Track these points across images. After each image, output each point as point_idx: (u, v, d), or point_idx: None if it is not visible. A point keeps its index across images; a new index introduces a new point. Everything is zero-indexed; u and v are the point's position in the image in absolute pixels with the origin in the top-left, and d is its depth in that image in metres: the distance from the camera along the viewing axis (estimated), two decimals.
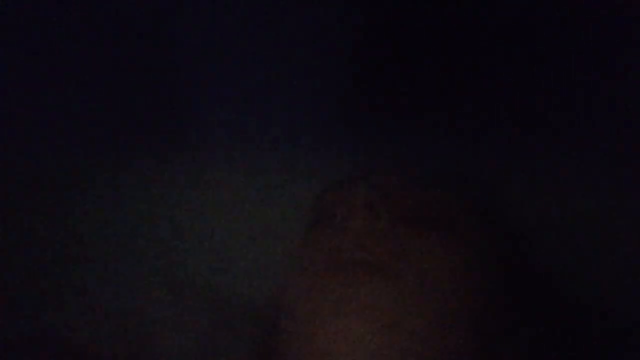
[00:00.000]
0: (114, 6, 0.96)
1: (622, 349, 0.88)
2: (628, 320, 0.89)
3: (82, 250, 0.97)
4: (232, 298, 0.93)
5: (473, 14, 0.95)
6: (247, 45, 0.97)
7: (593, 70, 0.94)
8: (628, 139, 0.92)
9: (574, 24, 0.94)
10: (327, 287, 0.77)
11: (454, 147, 0.95)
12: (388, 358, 0.74)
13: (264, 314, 0.87)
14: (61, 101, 0.98)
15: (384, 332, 0.75)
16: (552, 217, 0.92)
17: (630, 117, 0.93)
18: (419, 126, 0.95)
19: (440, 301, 0.76)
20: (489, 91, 0.95)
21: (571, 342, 0.85)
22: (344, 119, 0.97)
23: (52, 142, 0.99)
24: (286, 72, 0.97)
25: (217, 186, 0.98)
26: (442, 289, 0.77)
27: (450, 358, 0.75)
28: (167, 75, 0.99)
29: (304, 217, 0.86)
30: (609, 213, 0.92)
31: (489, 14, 0.95)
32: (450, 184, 0.85)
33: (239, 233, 0.96)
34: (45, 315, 0.93)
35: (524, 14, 0.95)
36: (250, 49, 0.97)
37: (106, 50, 0.98)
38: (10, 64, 0.97)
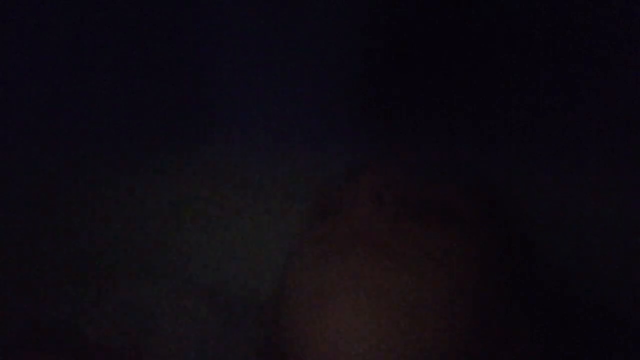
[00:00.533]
0: (135, 6, 0.97)
1: (625, 350, 0.88)
2: (632, 321, 0.89)
3: (87, 246, 0.97)
4: (235, 292, 0.93)
5: (477, 11, 0.95)
6: (250, 43, 0.97)
7: (598, 70, 0.94)
8: (632, 145, 0.93)
9: (579, 24, 0.94)
10: (330, 276, 0.77)
11: (459, 140, 0.95)
12: (390, 348, 0.75)
13: (266, 307, 0.87)
14: (73, 102, 0.98)
15: (387, 326, 0.75)
16: (557, 211, 0.93)
17: (634, 118, 0.93)
18: (424, 118, 0.96)
19: (444, 288, 0.76)
20: (496, 85, 0.95)
21: (573, 337, 0.85)
22: (348, 111, 0.97)
23: (66, 141, 0.99)
24: (289, 66, 0.98)
25: (219, 179, 0.98)
26: (445, 278, 0.77)
27: (451, 343, 0.75)
28: (169, 76, 0.99)
29: (308, 208, 0.86)
30: (613, 210, 0.92)
31: (495, 10, 0.95)
32: (456, 175, 0.85)
33: (241, 226, 0.96)
34: (52, 307, 0.94)
35: (529, 12, 0.95)
36: (254, 46, 0.97)
37: (110, 50, 0.98)
38: (29, 63, 0.98)
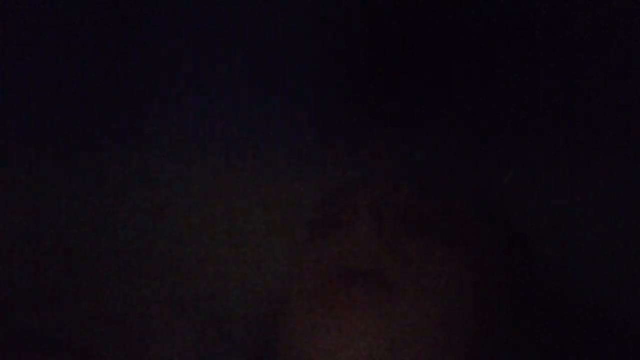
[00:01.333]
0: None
1: (625, 350, 0.88)
2: (631, 322, 0.89)
3: (82, 257, 0.96)
4: (231, 309, 0.93)
5: (474, 16, 0.95)
6: (245, 46, 0.97)
7: (598, 77, 0.94)
8: (632, 146, 0.92)
9: (580, 29, 0.94)
10: (328, 298, 0.76)
11: (461, 155, 0.94)
12: None
13: (263, 325, 0.86)
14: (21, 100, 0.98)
15: (386, 347, 0.74)
16: (560, 227, 0.92)
17: (634, 123, 0.93)
18: (425, 133, 0.95)
19: (444, 318, 0.75)
20: (495, 99, 0.95)
21: (577, 353, 0.85)
22: (347, 123, 0.97)
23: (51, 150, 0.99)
24: (289, 74, 0.97)
25: (216, 195, 0.97)
26: (447, 304, 0.76)
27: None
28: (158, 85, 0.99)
29: (306, 224, 0.85)
30: (613, 215, 0.91)
31: (491, 15, 0.95)
32: (457, 192, 0.84)
33: (238, 242, 0.95)
34: (47, 318, 0.93)
35: (526, 14, 0.95)
36: (250, 51, 0.97)
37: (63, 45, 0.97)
38: None
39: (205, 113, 0.98)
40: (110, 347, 0.91)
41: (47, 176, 0.98)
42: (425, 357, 0.74)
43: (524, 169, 0.93)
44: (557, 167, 0.94)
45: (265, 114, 0.98)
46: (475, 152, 0.94)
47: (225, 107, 0.98)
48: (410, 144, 0.95)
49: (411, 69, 0.97)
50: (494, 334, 0.78)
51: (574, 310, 0.88)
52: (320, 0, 0.95)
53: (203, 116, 0.98)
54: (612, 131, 0.93)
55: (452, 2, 0.95)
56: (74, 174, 0.98)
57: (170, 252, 0.96)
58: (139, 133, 0.98)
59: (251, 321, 0.90)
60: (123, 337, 0.91)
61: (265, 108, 0.98)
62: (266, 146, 0.97)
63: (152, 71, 0.98)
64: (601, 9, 0.92)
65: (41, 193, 0.98)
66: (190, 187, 0.98)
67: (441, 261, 0.77)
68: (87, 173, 0.98)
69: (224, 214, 0.96)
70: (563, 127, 0.95)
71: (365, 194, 0.81)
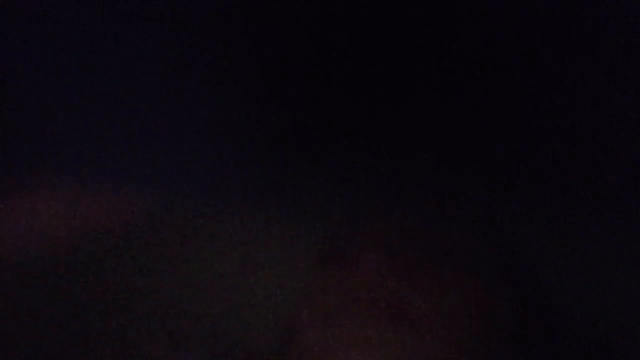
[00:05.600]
0: None
1: None
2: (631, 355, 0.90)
3: (82, 292, 0.95)
4: (243, 339, 0.91)
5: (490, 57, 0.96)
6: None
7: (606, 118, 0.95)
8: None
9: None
10: (340, 325, 0.77)
11: (470, 189, 0.94)
12: None
13: (275, 354, 0.86)
14: None
15: None
16: (569, 260, 0.92)
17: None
18: (435, 166, 0.95)
19: (455, 344, 0.76)
20: (507, 135, 0.95)
21: None
22: (358, 156, 0.96)
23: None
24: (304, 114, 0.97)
25: (224, 226, 0.96)
26: (458, 331, 0.77)
27: None
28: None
29: (316, 255, 0.85)
30: (619, 256, 0.92)
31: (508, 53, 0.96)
32: (467, 225, 0.86)
33: (247, 272, 0.94)
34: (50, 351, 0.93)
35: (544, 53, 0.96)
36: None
37: None
38: None
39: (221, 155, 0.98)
40: None
41: None
42: None
43: (534, 203, 0.94)
44: (565, 202, 0.95)
45: (278, 154, 0.97)
46: (486, 185, 0.95)
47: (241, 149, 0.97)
48: (420, 177, 0.95)
49: (427, 105, 0.96)
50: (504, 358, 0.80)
51: (580, 338, 0.89)
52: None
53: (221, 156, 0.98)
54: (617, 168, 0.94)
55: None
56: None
57: (181, 285, 0.94)
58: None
59: (264, 349, 0.89)
60: None
61: (280, 150, 0.97)
62: (278, 181, 0.96)
63: None
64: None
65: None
66: (201, 222, 0.96)
67: (452, 290, 0.79)
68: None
69: (233, 248, 0.95)
70: (571, 164, 0.95)
71: (375, 226, 0.83)
